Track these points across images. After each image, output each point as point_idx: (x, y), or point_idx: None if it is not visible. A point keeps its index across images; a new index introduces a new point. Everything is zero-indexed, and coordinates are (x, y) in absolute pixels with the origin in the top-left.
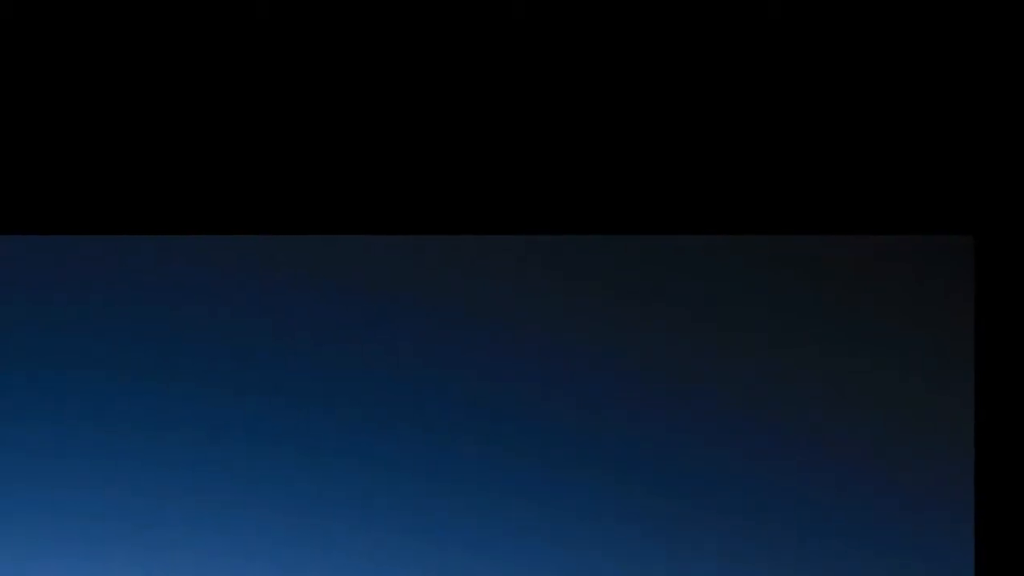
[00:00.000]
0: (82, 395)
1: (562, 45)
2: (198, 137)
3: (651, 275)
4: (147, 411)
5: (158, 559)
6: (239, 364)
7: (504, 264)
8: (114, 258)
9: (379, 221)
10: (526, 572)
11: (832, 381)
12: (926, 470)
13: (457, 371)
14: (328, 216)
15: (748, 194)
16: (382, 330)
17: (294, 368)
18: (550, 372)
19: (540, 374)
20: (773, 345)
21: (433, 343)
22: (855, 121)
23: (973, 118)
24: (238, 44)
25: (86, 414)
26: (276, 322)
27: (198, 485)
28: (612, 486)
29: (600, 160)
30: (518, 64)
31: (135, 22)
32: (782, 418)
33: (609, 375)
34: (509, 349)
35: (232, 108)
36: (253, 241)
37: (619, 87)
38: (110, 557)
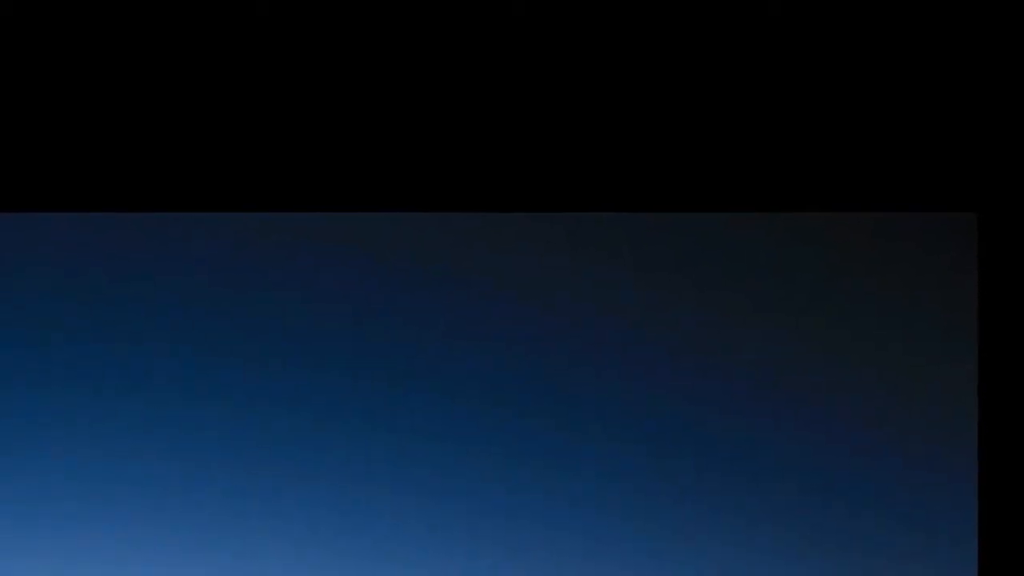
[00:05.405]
0: (109, 373)
1: (578, 28)
2: (223, 118)
3: (655, 253)
4: (163, 388)
5: (166, 548)
6: (266, 342)
7: (526, 241)
8: (150, 235)
9: (407, 198)
10: (549, 545)
11: (832, 360)
12: (928, 448)
13: (479, 345)
14: (357, 193)
15: (749, 172)
16: (406, 307)
17: (320, 347)
18: (573, 349)
19: (562, 351)
20: (773, 323)
21: (455, 321)
22: (857, 98)
23: (977, 95)
24: (249, 24)
25: (109, 396)
26: (305, 300)
27: (217, 461)
28: (620, 466)
29: (616, 142)
30: (538, 48)
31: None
32: (782, 397)
33: (622, 350)
34: (531, 328)
35: (257, 86)
36: (280, 219)
37: (633, 71)
38: (120, 538)
